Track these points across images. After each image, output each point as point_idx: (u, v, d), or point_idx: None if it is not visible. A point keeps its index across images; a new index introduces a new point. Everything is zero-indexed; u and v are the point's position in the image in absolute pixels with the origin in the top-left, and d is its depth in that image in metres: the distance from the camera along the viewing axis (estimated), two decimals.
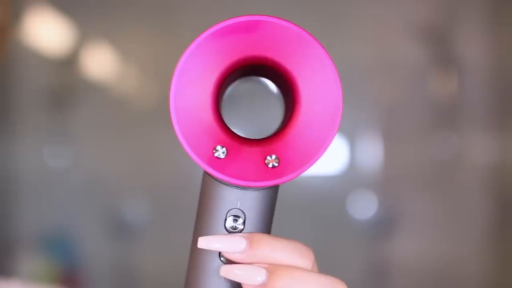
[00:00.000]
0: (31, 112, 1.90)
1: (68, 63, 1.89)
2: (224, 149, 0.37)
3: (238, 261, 0.38)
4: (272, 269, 0.37)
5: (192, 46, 0.37)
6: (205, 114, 0.37)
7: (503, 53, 1.78)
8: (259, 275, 0.37)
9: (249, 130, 0.43)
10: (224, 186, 0.39)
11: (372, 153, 1.82)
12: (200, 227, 0.41)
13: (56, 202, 1.90)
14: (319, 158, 0.37)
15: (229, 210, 0.39)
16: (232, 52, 0.37)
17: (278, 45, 0.37)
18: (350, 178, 1.84)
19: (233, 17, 0.36)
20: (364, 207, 1.82)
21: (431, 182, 1.81)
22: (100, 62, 1.91)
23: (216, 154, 0.37)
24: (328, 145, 0.37)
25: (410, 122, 1.82)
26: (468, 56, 1.79)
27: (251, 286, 0.37)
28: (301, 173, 0.37)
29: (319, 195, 1.84)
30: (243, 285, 0.38)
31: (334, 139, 0.38)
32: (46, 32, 1.88)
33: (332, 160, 1.83)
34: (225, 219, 0.39)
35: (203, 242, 0.38)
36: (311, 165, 0.37)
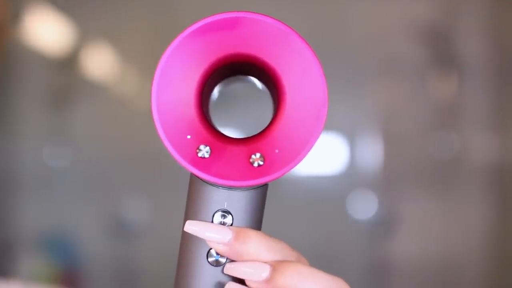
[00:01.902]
0: (31, 112, 1.90)
1: (68, 63, 1.89)
2: (207, 148, 0.36)
3: (222, 253, 0.38)
4: (276, 265, 0.36)
5: (173, 44, 0.36)
6: (189, 113, 0.36)
7: (504, 52, 1.78)
8: (264, 271, 0.36)
9: (239, 129, 0.42)
10: (210, 186, 0.38)
11: (372, 153, 1.81)
12: None
13: (56, 202, 1.90)
14: (304, 156, 0.37)
15: (216, 211, 0.38)
16: (215, 49, 0.36)
17: (261, 42, 0.36)
18: (350, 178, 1.84)
19: (213, 14, 0.35)
20: (364, 207, 1.82)
21: (431, 182, 1.81)
22: (100, 62, 1.91)
23: (199, 154, 0.36)
24: (313, 144, 0.37)
25: (410, 121, 1.81)
26: (468, 55, 1.78)
27: (255, 283, 0.37)
28: (287, 171, 0.37)
29: (319, 195, 1.84)
30: (246, 282, 0.37)
31: (321, 137, 0.38)
32: (46, 31, 1.88)
33: (332, 160, 1.82)
34: (212, 220, 0.39)
35: (190, 226, 0.38)
36: (297, 163, 0.37)
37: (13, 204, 1.90)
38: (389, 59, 1.81)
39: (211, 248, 0.38)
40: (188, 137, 0.36)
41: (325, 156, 1.81)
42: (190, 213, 0.40)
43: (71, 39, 1.88)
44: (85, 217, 1.89)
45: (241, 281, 0.38)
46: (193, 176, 0.39)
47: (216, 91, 0.42)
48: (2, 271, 1.82)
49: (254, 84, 0.42)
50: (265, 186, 0.39)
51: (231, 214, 0.38)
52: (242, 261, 0.37)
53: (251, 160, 0.37)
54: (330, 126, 1.80)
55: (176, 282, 0.41)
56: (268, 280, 0.36)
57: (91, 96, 1.90)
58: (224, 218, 0.38)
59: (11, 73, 1.88)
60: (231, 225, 0.38)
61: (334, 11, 1.82)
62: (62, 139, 1.90)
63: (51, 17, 1.88)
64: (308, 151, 0.36)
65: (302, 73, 0.36)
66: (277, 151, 0.36)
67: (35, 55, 1.88)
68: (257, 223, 0.40)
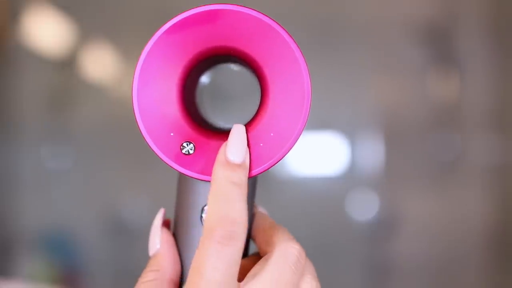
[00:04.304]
0: (31, 113, 1.90)
1: (68, 64, 1.89)
2: (191, 145, 0.36)
3: None
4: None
5: (150, 43, 0.36)
6: (171, 110, 0.36)
7: (505, 52, 1.77)
8: None
9: (229, 121, 0.42)
10: (196, 181, 0.38)
11: (373, 153, 1.81)
12: (177, 223, 0.41)
13: (55, 203, 1.90)
14: (289, 150, 0.36)
15: (204, 206, 0.39)
16: (194, 44, 0.35)
17: (240, 34, 0.35)
18: (350, 179, 1.83)
19: (190, 9, 0.35)
20: (365, 208, 1.81)
21: (432, 183, 1.80)
22: (100, 62, 1.90)
23: (183, 151, 0.36)
24: (297, 137, 0.36)
25: (411, 122, 1.81)
26: (469, 55, 1.77)
27: None
28: (272, 165, 0.36)
29: (319, 197, 1.83)
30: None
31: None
32: (45, 32, 1.88)
33: (333, 160, 1.82)
34: (201, 214, 0.39)
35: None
36: (281, 157, 0.36)
37: (13, 204, 1.90)
38: (389, 59, 1.81)
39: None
40: (171, 134, 0.36)
41: (325, 157, 1.81)
42: (179, 208, 0.40)
43: (71, 39, 1.88)
44: (85, 217, 1.89)
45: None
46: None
47: (205, 82, 0.42)
48: (2, 271, 1.82)
49: (240, 72, 0.42)
50: (252, 178, 0.39)
51: None
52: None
53: None
54: (330, 126, 1.80)
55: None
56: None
57: (91, 96, 1.90)
58: None
59: (10, 73, 1.88)
60: None
61: (334, 10, 1.82)
62: (62, 139, 1.90)
63: (51, 17, 1.88)
64: (292, 145, 0.36)
65: (284, 66, 0.35)
66: (261, 144, 0.36)
67: (34, 55, 1.88)
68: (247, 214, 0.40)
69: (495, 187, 1.77)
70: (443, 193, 1.80)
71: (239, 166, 0.35)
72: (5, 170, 1.90)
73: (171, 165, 0.36)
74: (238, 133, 0.36)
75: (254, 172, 0.36)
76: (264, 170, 0.36)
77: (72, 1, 1.90)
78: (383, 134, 1.82)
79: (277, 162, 0.36)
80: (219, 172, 0.35)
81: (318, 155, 1.80)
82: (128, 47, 1.92)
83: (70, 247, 1.90)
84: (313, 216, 1.83)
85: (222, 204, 0.34)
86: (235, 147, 0.36)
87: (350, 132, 1.82)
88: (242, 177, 0.35)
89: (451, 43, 1.78)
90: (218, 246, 0.34)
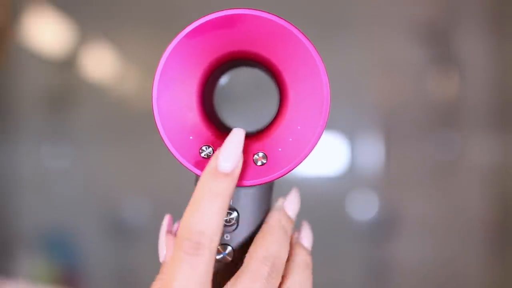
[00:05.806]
0: (31, 113, 1.90)
1: (68, 64, 1.88)
2: (210, 149, 0.36)
3: None
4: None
5: (170, 47, 0.36)
6: (190, 114, 0.36)
7: (505, 52, 1.78)
8: None
9: (246, 124, 0.42)
10: None
11: (373, 153, 1.81)
12: None
13: (56, 203, 1.90)
14: (307, 155, 0.36)
15: None
16: (214, 48, 0.35)
17: (261, 38, 0.35)
18: (350, 179, 1.83)
19: (211, 13, 0.35)
20: (365, 208, 1.82)
21: (432, 183, 1.81)
22: (100, 63, 1.90)
23: (203, 154, 0.36)
24: (316, 142, 0.36)
25: (411, 122, 1.81)
26: (469, 55, 1.78)
27: None
28: (290, 170, 0.36)
29: (319, 197, 1.83)
30: None
31: (324, 136, 0.37)
32: (46, 32, 1.87)
33: (333, 160, 1.82)
34: None
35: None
36: (300, 162, 0.36)
37: (13, 204, 1.90)
38: (389, 59, 1.81)
39: None
40: (191, 138, 0.36)
41: (325, 157, 1.81)
42: None
43: (71, 39, 1.88)
44: (85, 218, 1.89)
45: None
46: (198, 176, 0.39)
47: (223, 85, 0.42)
48: (2, 271, 1.81)
49: (258, 75, 0.42)
50: (270, 182, 0.39)
51: (236, 211, 0.38)
52: None
53: (254, 159, 0.37)
54: (330, 126, 1.80)
55: None
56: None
57: (91, 97, 1.90)
58: (229, 215, 0.38)
59: (11, 73, 1.87)
60: (237, 221, 0.38)
61: (334, 10, 1.82)
62: (62, 140, 1.89)
63: (52, 18, 1.88)
64: (311, 149, 0.36)
65: (303, 70, 0.35)
66: (280, 149, 0.36)
67: (35, 55, 1.88)
68: (262, 220, 0.40)
69: (495, 187, 1.78)
70: (443, 193, 1.80)
71: (227, 175, 0.34)
72: (5, 170, 1.90)
73: (190, 168, 0.36)
74: (233, 138, 0.35)
75: (273, 177, 0.36)
76: (283, 175, 0.36)
77: (72, 1, 1.90)
78: (383, 134, 1.82)
79: (295, 167, 0.36)
80: (203, 179, 0.34)
81: (318, 155, 1.80)
82: (128, 47, 1.92)
83: (70, 247, 1.90)
84: (313, 216, 1.82)
85: (194, 214, 0.34)
86: (226, 155, 0.34)
87: (350, 132, 1.82)
88: (226, 188, 0.34)
89: (451, 43, 1.78)
90: (186, 256, 0.34)
